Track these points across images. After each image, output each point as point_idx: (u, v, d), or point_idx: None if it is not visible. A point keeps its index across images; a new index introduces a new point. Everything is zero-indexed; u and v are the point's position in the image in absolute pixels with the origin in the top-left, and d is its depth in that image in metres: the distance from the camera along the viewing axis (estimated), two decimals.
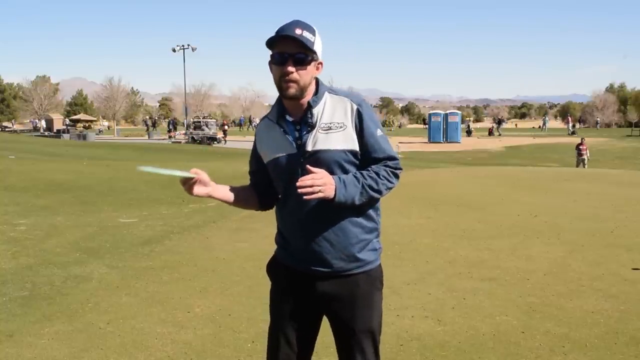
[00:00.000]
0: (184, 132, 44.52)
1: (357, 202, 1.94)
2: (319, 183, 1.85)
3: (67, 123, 58.66)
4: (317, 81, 2.04)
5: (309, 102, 1.98)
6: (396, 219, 7.36)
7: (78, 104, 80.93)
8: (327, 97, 2.02)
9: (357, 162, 2.00)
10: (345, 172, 1.98)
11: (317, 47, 1.96)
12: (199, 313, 4.17)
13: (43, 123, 56.93)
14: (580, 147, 22.03)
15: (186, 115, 51.09)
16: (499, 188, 11.36)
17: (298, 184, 1.84)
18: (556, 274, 5.22)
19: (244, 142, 38.13)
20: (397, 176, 2.05)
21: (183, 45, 46.72)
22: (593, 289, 4.75)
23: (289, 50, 1.91)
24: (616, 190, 10.62)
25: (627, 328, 3.86)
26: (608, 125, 74.52)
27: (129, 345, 3.59)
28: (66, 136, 44.76)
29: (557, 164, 24.42)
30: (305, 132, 1.98)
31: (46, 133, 51.11)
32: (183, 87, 52.79)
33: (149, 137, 44.44)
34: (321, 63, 2.02)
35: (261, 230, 6.97)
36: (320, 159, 1.95)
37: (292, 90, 1.94)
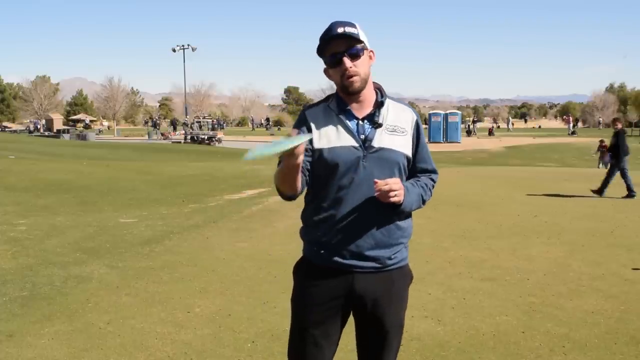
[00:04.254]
0: (183, 132, 44.47)
1: (412, 208, 2.07)
2: (396, 188, 1.92)
3: (86, 123, 60.89)
4: (380, 87, 2.12)
5: (379, 101, 2.07)
6: None
7: (78, 104, 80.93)
8: (389, 101, 2.10)
9: (408, 168, 2.10)
10: (401, 174, 2.07)
11: (363, 37, 2.02)
12: (199, 313, 4.17)
13: (43, 122, 57.14)
14: (603, 147, 21.09)
15: (186, 115, 51.12)
16: (499, 188, 11.37)
17: (379, 186, 1.90)
18: (556, 274, 5.22)
19: (244, 142, 38.15)
20: (432, 189, 2.19)
21: (183, 45, 46.72)
22: (593, 289, 4.75)
23: (339, 49, 1.97)
24: (616, 190, 10.62)
25: (627, 328, 3.86)
26: (608, 126, 74.51)
27: (129, 345, 3.59)
28: (66, 136, 44.74)
29: (557, 164, 24.43)
30: (370, 128, 2.03)
31: (46, 133, 51.13)
32: (183, 87, 52.81)
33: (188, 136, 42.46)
34: (372, 51, 2.07)
35: (261, 230, 6.97)
36: (384, 157, 2.01)
37: (357, 84, 2.00)
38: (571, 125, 54.26)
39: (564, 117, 70.21)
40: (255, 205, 8.92)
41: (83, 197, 10.33)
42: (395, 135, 2.05)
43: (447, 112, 41.57)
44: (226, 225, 7.58)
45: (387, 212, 2.01)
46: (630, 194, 10.43)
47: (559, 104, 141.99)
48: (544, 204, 9.50)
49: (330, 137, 2.03)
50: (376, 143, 2.00)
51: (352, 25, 1.99)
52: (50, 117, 58.70)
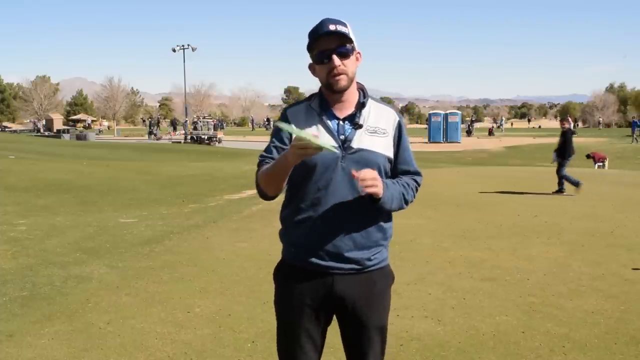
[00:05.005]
0: (183, 132, 44.46)
1: (393, 206, 2.03)
2: (369, 177, 1.87)
3: (88, 123, 63.66)
4: (363, 87, 2.11)
5: (360, 102, 2.05)
6: (396, 219, 7.33)
7: (78, 104, 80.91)
8: (371, 102, 2.08)
9: (389, 170, 2.08)
10: (381, 175, 2.03)
11: (353, 38, 2.00)
12: (199, 313, 4.17)
13: (43, 122, 57.26)
14: (594, 156, 20.86)
15: (186, 114, 51.11)
16: (499, 188, 11.37)
17: (359, 175, 1.84)
18: (556, 274, 5.22)
19: (244, 142, 38.14)
20: (416, 191, 2.16)
21: (183, 45, 46.67)
22: (593, 289, 4.75)
23: (330, 46, 1.95)
24: (616, 190, 10.62)
25: (627, 328, 3.86)
26: (608, 125, 74.53)
27: (129, 345, 3.59)
28: (66, 136, 44.73)
29: None
30: (350, 129, 2.02)
31: (46, 133, 51.12)
32: (183, 87, 52.77)
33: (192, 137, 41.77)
34: (359, 53, 2.05)
35: (261, 230, 6.97)
36: (363, 158, 1.98)
37: (343, 82, 1.98)
38: (571, 125, 54.27)
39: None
40: (255, 205, 8.92)
41: (83, 197, 10.33)
42: (375, 136, 2.02)
43: (447, 112, 41.57)
44: (226, 225, 7.58)
45: (368, 213, 2.00)
46: (560, 189, 10.83)
47: (559, 104, 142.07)
48: (544, 204, 9.50)
49: None
50: (355, 144, 1.98)
51: (344, 24, 1.98)
52: (50, 117, 58.67)
